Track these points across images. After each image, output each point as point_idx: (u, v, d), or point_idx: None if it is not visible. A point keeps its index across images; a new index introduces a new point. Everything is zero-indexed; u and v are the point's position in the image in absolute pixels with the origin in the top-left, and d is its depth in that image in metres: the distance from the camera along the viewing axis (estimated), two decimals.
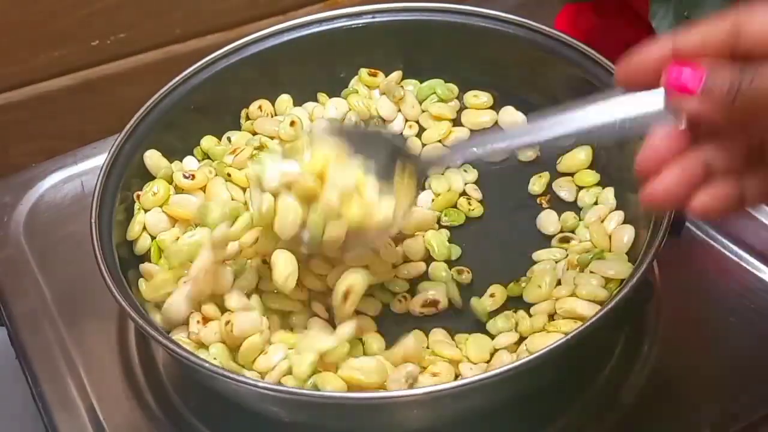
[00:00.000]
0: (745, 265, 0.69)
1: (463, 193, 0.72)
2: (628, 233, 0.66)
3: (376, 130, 0.66)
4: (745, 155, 0.50)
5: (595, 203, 0.70)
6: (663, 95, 0.50)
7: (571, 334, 0.56)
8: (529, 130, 0.57)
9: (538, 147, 0.60)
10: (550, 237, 0.69)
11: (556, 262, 0.66)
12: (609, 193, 0.70)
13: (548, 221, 0.70)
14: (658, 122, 0.50)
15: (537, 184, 0.72)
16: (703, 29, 0.49)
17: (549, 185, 0.72)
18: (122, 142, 0.69)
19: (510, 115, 0.75)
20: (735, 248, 0.70)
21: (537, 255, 0.68)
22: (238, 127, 0.75)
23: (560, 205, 0.71)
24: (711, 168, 0.49)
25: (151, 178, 0.70)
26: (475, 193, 0.72)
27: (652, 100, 0.50)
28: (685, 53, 0.49)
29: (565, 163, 0.72)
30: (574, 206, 0.70)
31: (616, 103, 0.52)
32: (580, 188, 0.71)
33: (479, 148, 0.60)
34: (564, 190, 0.71)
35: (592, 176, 0.71)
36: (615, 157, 0.70)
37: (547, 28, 0.72)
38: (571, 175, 0.72)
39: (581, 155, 0.72)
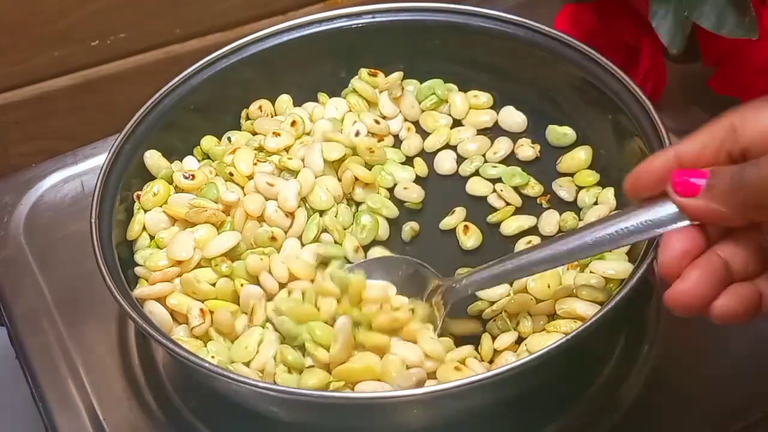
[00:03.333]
0: None
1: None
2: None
3: (400, 257, 0.67)
4: (762, 257, 0.52)
5: (595, 203, 0.70)
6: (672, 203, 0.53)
7: (572, 334, 0.57)
8: (546, 250, 0.59)
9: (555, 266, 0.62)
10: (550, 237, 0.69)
11: None
12: (609, 193, 0.70)
13: (548, 221, 0.70)
14: (671, 227, 0.53)
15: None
16: (701, 137, 0.52)
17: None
18: (122, 142, 0.69)
19: (510, 115, 0.75)
20: None
21: None
22: (238, 127, 0.75)
23: (560, 205, 0.71)
24: (730, 268, 0.51)
25: (152, 178, 0.70)
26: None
27: (663, 209, 0.53)
28: (686, 160, 0.52)
29: (565, 163, 0.72)
30: (574, 206, 0.70)
31: (630, 215, 0.55)
32: (580, 188, 0.71)
33: (501, 273, 0.60)
34: (564, 190, 0.71)
35: (592, 176, 0.71)
36: (615, 157, 0.70)
37: (547, 28, 0.72)
38: (571, 175, 0.72)
39: (581, 155, 0.72)
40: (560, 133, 0.74)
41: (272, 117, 0.75)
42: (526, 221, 0.70)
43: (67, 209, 0.77)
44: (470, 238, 0.69)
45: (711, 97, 0.76)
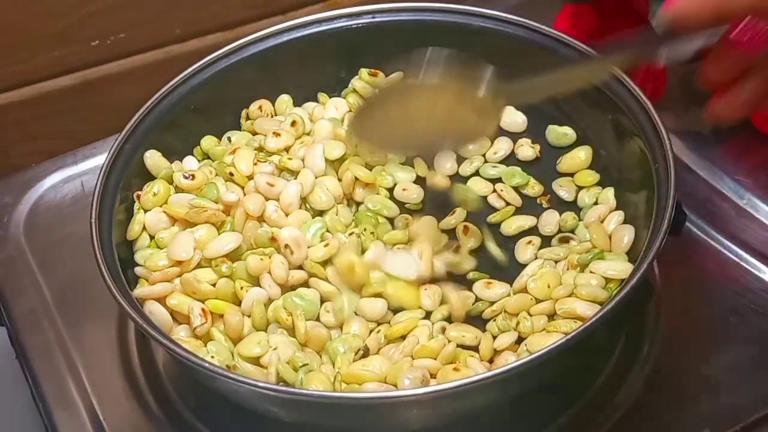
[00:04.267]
0: (745, 265, 0.69)
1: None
2: (628, 233, 0.66)
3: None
4: None
5: (595, 203, 0.70)
6: None
7: (571, 334, 0.57)
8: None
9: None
10: (550, 237, 0.69)
11: (556, 262, 0.66)
12: (609, 193, 0.70)
13: (548, 221, 0.70)
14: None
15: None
16: None
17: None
18: (122, 142, 0.69)
19: (510, 115, 0.75)
20: (735, 248, 0.69)
21: (540, 253, 0.68)
22: (238, 127, 0.75)
23: (560, 205, 0.71)
24: None
25: (151, 178, 0.70)
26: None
27: None
28: None
29: (565, 163, 0.72)
30: (574, 206, 0.70)
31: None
32: (580, 188, 0.71)
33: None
34: (564, 190, 0.71)
35: (592, 176, 0.71)
36: (615, 157, 0.70)
37: (546, 28, 0.72)
38: (571, 175, 0.72)
39: (581, 155, 0.72)
40: (560, 133, 0.74)
41: (272, 117, 0.75)
42: (526, 221, 0.70)
43: (67, 209, 0.77)
44: (470, 239, 0.69)
45: (711, 97, 0.75)
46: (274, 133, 0.72)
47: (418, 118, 0.63)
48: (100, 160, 0.78)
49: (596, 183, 0.71)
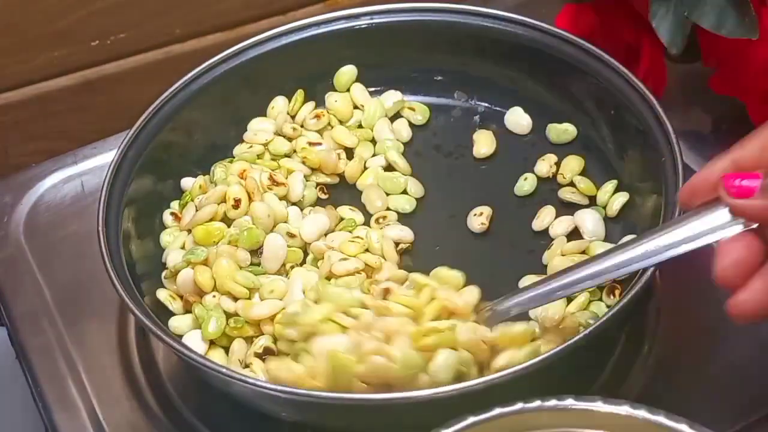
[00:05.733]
0: None
1: None
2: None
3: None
4: None
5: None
6: (726, 209, 0.50)
7: (570, 342, 0.57)
8: (593, 266, 0.57)
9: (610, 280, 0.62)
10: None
11: None
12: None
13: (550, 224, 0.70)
14: (724, 232, 0.51)
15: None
16: (759, 138, 0.50)
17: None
18: (141, 126, 0.69)
19: (516, 116, 0.75)
20: None
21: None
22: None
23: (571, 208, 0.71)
24: None
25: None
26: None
27: (715, 215, 0.51)
28: (745, 165, 0.50)
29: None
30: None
31: (682, 224, 0.53)
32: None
33: (546, 292, 0.59)
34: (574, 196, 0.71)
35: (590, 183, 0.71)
36: (619, 153, 0.70)
37: (547, 26, 0.72)
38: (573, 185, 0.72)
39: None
40: (560, 129, 0.74)
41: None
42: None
43: (67, 209, 0.77)
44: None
45: (711, 97, 0.76)
46: (316, 114, 0.74)
47: None
48: (100, 160, 0.78)
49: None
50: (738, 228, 0.50)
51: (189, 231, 0.68)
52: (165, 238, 0.69)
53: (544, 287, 0.58)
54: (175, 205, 0.71)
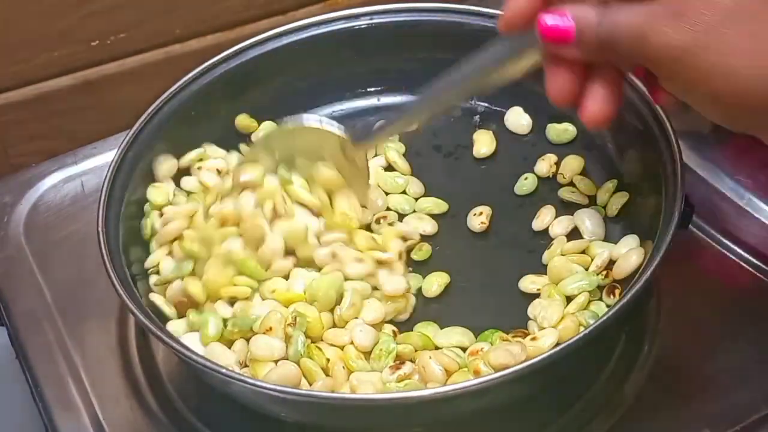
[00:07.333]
0: (745, 265, 0.69)
1: None
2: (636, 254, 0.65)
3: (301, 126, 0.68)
4: None
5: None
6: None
7: (570, 341, 0.57)
8: (432, 91, 0.61)
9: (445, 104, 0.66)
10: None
11: None
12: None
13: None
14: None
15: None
16: None
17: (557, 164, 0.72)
18: (134, 135, 0.69)
19: (516, 116, 0.75)
20: (735, 248, 0.69)
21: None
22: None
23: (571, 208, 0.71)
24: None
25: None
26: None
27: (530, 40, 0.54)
28: None
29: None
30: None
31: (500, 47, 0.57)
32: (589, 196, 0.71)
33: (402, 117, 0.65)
34: (574, 196, 0.71)
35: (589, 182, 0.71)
36: (618, 151, 0.70)
37: None
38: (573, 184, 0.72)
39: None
40: (560, 129, 0.74)
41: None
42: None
43: (67, 209, 0.77)
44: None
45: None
46: None
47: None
48: (100, 160, 0.78)
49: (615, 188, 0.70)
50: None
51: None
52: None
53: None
54: None
